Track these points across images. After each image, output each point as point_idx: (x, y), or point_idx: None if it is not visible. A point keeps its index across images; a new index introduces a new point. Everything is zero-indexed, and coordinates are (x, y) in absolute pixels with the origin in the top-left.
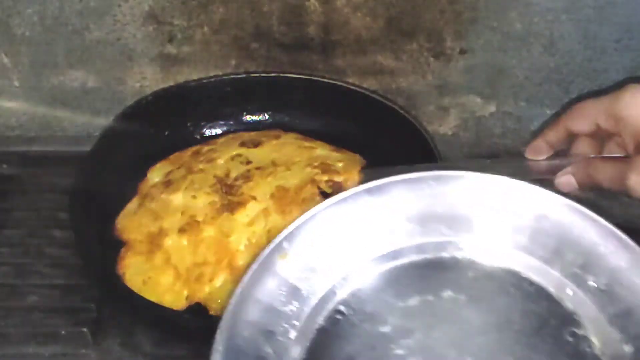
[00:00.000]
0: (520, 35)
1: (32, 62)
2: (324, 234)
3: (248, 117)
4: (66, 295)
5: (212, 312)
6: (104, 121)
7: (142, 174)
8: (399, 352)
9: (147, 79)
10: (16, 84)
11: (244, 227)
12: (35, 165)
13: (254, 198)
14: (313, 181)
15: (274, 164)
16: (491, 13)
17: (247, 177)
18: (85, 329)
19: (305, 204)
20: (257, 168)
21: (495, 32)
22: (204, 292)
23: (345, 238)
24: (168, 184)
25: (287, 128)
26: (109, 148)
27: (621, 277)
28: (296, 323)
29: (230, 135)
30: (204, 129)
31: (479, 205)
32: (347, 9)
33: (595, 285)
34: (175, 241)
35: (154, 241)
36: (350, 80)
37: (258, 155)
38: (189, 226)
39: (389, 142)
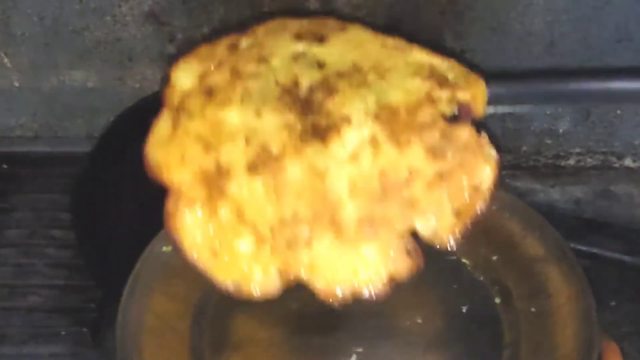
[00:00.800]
0: (520, 35)
1: (32, 62)
2: None
3: None
4: (66, 295)
5: (317, 292)
6: (104, 121)
7: (142, 175)
8: None
9: (147, 79)
10: (16, 84)
11: (343, 164)
12: (35, 165)
13: (348, 120)
14: (429, 98)
15: (358, 69)
16: (491, 13)
17: (327, 87)
18: (85, 329)
19: (426, 132)
20: (338, 75)
21: (495, 32)
22: (302, 263)
23: None
24: (209, 92)
25: None
26: (108, 148)
27: None
28: None
29: (268, 23)
30: None
31: None
32: (347, 9)
33: None
34: (244, 185)
35: (212, 183)
36: None
37: (329, 54)
38: (262, 161)
39: None
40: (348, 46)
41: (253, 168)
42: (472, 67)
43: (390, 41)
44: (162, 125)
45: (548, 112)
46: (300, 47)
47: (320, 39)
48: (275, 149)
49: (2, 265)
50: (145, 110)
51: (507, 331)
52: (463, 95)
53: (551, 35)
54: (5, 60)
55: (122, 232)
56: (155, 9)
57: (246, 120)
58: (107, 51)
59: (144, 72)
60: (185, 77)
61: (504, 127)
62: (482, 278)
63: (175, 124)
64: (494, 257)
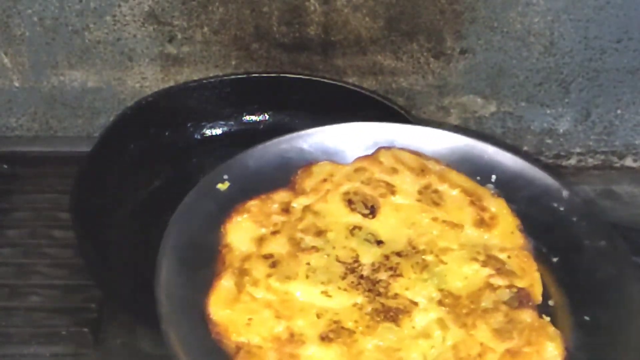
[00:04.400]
0: (520, 35)
1: (32, 62)
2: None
3: (248, 117)
4: (67, 295)
5: None
6: (104, 121)
7: (142, 175)
8: None
9: (147, 79)
10: (16, 84)
11: (414, 340)
12: (35, 165)
13: (416, 304)
14: (489, 285)
15: (414, 246)
16: (491, 13)
17: (390, 268)
18: (85, 329)
19: (489, 317)
20: (397, 254)
21: (495, 32)
22: None
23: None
24: (273, 263)
25: (287, 128)
26: (108, 148)
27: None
28: None
29: (312, 170)
30: (204, 129)
31: None
32: (347, 9)
33: None
34: (319, 353)
35: (283, 348)
36: (350, 80)
37: (383, 230)
38: (335, 334)
39: None
40: (399, 220)
41: (327, 339)
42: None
43: (438, 212)
44: (225, 286)
45: (548, 112)
46: (353, 219)
47: (372, 211)
48: (348, 325)
49: (2, 265)
50: (145, 110)
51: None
52: (521, 283)
53: (551, 35)
54: (5, 60)
55: (122, 232)
56: (155, 9)
57: (315, 298)
58: (107, 51)
59: (144, 72)
60: (241, 238)
61: (504, 127)
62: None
63: (239, 287)
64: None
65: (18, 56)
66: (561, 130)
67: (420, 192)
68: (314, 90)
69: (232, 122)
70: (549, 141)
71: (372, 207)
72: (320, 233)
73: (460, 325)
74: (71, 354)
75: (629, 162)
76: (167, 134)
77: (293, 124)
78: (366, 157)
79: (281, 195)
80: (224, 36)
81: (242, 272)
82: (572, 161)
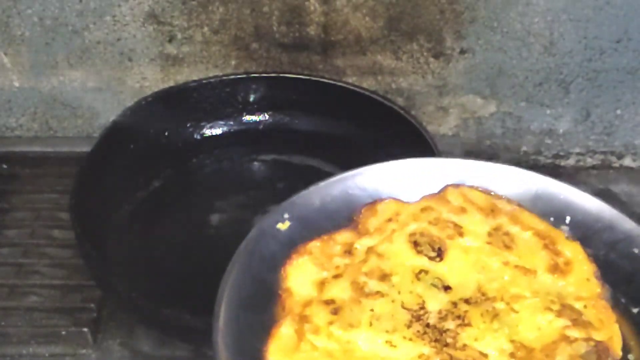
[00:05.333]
0: (520, 35)
1: (32, 63)
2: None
3: (248, 117)
4: (66, 295)
5: None
6: (104, 121)
7: (142, 175)
8: None
9: (147, 79)
10: (16, 84)
11: None
12: (35, 165)
13: (486, 356)
14: (565, 338)
15: (483, 293)
16: (491, 13)
17: (459, 317)
18: (85, 329)
19: None
20: (466, 301)
21: (495, 32)
22: None
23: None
24: (335, 310)
25: (287, 128)
26: (108, 148)
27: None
28: None
29: (377, 209)
30: (204, 129)
31: None
32: (347, 9)
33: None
34: None
35: None
36: (350, 80)
37: (451, 274)
38: None
39: (389, 142)
40: (468, 264)
41: None
42: None
43: (510, 256)
44: (284, 333)
45: (548, 112)
46: (419, 262)
47: (439, 254)
48: None
49: (2, 265)
50: (145, 110)
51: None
52: (599, 336)
53: (551, 35)
54: (5, 60)
55: (122, 232)
56: (155, 9)
57: (379, 348)
58: (107, 51)
59: (144, 72)
60: (301, 281)
61: (504, 127)
62: None
63: (299, 335)
64: None
65: (18, 56)
66: (561, 131)
67: (490, 234)
68: (314, 90)
69: (232, 122)
70: (548, 141)
71: (440, 249)
72: (384, 277)
73: None
74: (70, 354)
75: (628, 162)
76: (167, 134)
77: (293, 123)
78: (433, 195)
79: (344, 236)
80: (224, 36)
81: (303, 319)
82: (571, 161)
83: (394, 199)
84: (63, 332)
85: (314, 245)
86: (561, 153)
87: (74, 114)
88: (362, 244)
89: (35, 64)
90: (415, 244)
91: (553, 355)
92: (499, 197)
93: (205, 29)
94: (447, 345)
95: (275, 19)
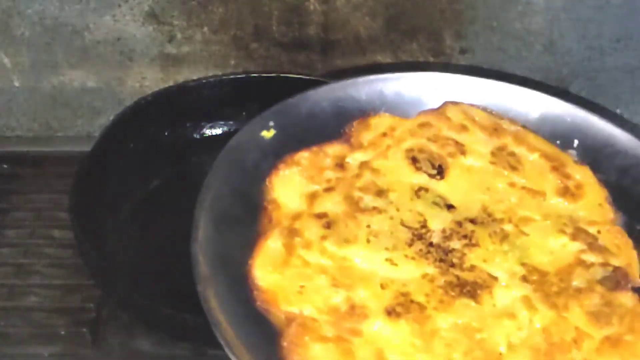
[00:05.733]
0: (520, 34)
1: (32, 62)
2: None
3: (248, 117)
4: (66, 295)
5: None
6: (104, 121)
7: (142, 175)
8: None
9: (147, 79)
10: (16, 84)
11: (498, 320)
12: (35, 165)
13: (496, 279)
14: (580, 262)
15: (489, 214)
16: (491, 12)
17: (465, 236)
18: (84, 329)
19: (584, 298)
20: (471, 221)
21: (495, 32)
22: None
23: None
24: (328, 224)
25: None
26: (108, 148)
27: None
28: None
29: (370, 123)
30: (204, 129)
31: None
32: (346, 8)
33: None
34: (386, 329)
35: (344, 323)
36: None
37: (454, 193)
38: (404, 309)
39: None
40: (472, 183)
41: (393, 313)
42: None
43: (516, 177)
44: (272, 247)
45: None
46: (419, 179)
47: (440, 171)
48: (419, 298)
49: (1, 265)
50: (145, 110)
51: None
52: (617, 262)
53: (551, 34)
54: (6, 60)
55: (122, 232)
56: (155, 9)
57: (378, 266)
58: (107, 51)
59: (144, 72)
60: (289, 193)
61: None
62: None
63: (288, 249)
64: None
65: (18, 56)
66: None
67: (494, 154)
68: None
69: (231, 122)
70: None
71: (440, 167)
72: (381, 193)
73: (550, 305)
74: (70, 354)
75: None
76: (166, 133)
77: None
78: (431, 111)
79: (335, 149)
80: (224, 36)
81: (292, 232)
82: None
83: (389, 113)
84: (62, 332)
85: (303, 155)
86: None
87: (74, 113)
88: (354, 158)
89: (36, 64)
90: (414, 160)
91: (569, 279)
92: (502, 117)
93: (205, 28)
94: (453, 265)
95: (275, 19)
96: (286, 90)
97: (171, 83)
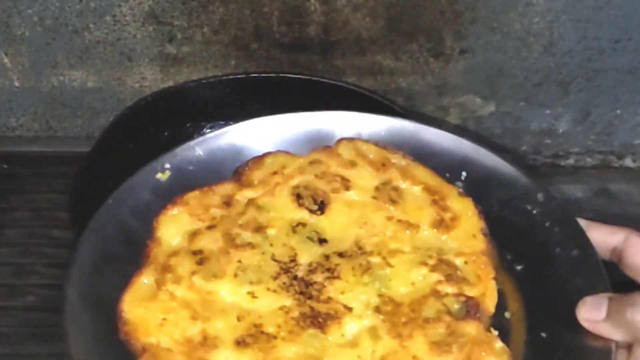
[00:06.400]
0: (519, 35)
1: (32, 62)
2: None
3: (248, 117)
4: None
5: None
6: (104, 121)
7: None
8: None
9: (147, 79)
10: (16, 84)
11: (340, 349)
12: (35, 165)
13: (349, 309)
14: (435, 293)
15: (361, 248)
16: (491, 13)
17: (329, 270)
18: None
19: (429, 328)
20: (340, 255)
21: (495, 32)
22: None
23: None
24: (201, 260)
25: None
26: (108, 148)
27: None
28: None
29: (265, 161)
30: (204, 129)
31: None
32: (347, 9)
33: None
34: (232, 359)
35: (195, 353)
36: (350, 80)
37: (330, 227)
38: (253, 339)
39: None
40: (350, 218)
41: (242, 343)
42: None
43: (395, 210)
44: (144, 282)
45: (547, 112)
46: (299, 215)
47: (321, 207)
48: (269, 329)
49: (0, 264)
50: (145, 110)
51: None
52: (471, 292)
53: (551, 35)
54: (6, 60)
55: None
56: (155, 9)
57: (239, 299)
58: (107, 51)
59: (144, 72)
60: (173, 232)
61: (503, 127)
62: None
63: (159, 284)
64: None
65: (18, 56)
66: (560, 131)
67: (377, 189)
68: (314, 90)
69: (231, 122)
70: (547, 141)
71: (322, 202)
72: (259, 229)
73: (394, 335)
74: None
75: (628, 162)
76: (166, 134)
77: None
78: (324, 148)
79: (225, 188)
80: (224, 36)
81: (165, 269)
82: (571, 161)
83: (284, 151)
84: (61, 332)
85: (192, 195)
86: (560, 153)
87: (74, 113)
88: (242, 196)
89: (36, 64)
90: (298, 196)
91: (420, 310)
92: (395, 152)
93: (205, 29)
94: (311, 297)
95: (275, 19)
96: (286, 90)
97: (171, 83)
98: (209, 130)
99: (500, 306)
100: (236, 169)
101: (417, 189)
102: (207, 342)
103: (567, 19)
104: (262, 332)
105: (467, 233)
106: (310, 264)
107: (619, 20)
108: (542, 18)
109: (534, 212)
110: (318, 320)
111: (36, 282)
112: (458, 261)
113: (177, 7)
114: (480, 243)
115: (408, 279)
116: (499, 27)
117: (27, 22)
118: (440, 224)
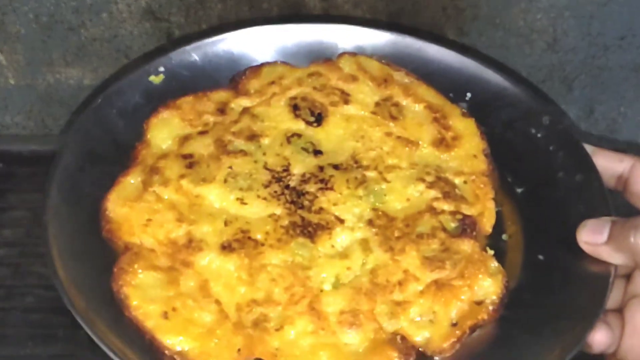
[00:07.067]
0: (523, 32)
1: (27, 60)
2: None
3: None
4: None
5: None
6: None
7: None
8: None
9: None
10: (12, 81)
11: (329, 260)
12: (31, 163)
13: (342, 221)
14: (431, 209)
15: (357, 162)
16: (493, 9)
17: (322, 181)
18: (82, 330)
19: (423, 243)
20: (335, 166)
21: (497, 29)
22: (269, 345)
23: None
24: (190, 164)
25: None
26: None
27: None
28: None
29: (262, 71)
30: None
31: None
32: (347, 5)
33: None
34: (216, 262)
35: (179, 255)
36: None
37: (326, 140)
38: (239, 244)
39: None
40: (347, 131)
41: (228, 247)
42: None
43: (395, 127)
44: (130, 182)
45: None
46: (295, 125)
47: (318, 119)
48: (257, 236)
49: None
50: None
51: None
52: (469, 211)
53: (554, 31)
54: (1, 57)
55: None
56: (152, 6)
57: (228, 204)
58: (104, 48)
59: None
60: (163, 135)
61: None
62: None
63: (145, 184)
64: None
65: (13, 54)
66: None
67: (377, 104)
68: None
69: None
70: None
71: (320, 114)
72: (253, 137)
73: (386, 249)
74: (68, 355)
75: None
76: None
77: None
78: (325, 61)
79: (220, 95)
80: None
81: (153, 170)
82: None
83: (283, 62)
84: (60, 333)
85: (186, 100)
86: None
87: (70, 112)
88: (237, 104)
89: (31, 62)
90: (295, 107)
91: (414, 225)
92: (399, 69)
93: (203, 25)
94: (302, 207)
95: (275, 15)
96: None
97: None
98: None
99: (498, 228)
100: (232, 77)
101: (418, 106)
102: (192, 244)
103: (570, 16)
104: (249, 238)
105: (468, 153)
106: (303, 175)
107: (623, 16)
108: (545, 14)
109: (538, 135)
110: (308, 229)
111: (35, 283)
112: (457, 180)
113: (175, 4)
114: (481, 163)
115: (404, 195)
116: (501, 23)
117: (22, 19)
118: (441, 143)
